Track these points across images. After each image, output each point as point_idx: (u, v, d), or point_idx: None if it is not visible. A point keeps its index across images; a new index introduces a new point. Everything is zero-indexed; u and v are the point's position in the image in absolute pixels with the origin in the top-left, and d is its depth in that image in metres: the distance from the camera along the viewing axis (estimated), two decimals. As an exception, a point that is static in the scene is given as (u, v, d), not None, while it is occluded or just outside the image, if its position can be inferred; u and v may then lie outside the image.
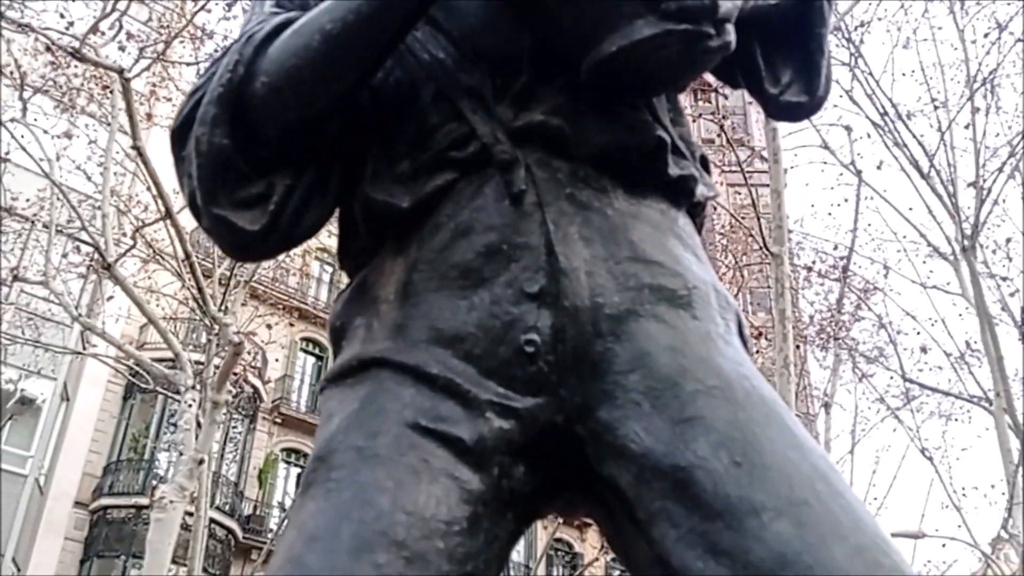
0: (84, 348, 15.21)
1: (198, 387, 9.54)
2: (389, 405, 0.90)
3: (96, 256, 9.88)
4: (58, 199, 11.29)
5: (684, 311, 0.95)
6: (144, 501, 15.81)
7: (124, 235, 10.77)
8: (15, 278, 10.92)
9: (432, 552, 0.82)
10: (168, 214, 8.40)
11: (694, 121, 13.83)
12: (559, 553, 23.89)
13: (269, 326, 13.05)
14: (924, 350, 15.02)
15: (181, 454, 8.91)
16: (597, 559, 18.41)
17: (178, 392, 10.66)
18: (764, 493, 0.80)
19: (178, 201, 9.92)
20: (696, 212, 1.10)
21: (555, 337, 0.92)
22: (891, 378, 15.84)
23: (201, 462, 8.67)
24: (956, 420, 17.20)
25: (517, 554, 21.74)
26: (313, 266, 21.40)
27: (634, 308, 0.93)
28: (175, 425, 17.09)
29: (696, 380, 0.88)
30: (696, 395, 0.87)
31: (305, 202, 1.03)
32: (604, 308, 0.93)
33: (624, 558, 0.92)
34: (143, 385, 16.00)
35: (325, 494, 0.86)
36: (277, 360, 19.44)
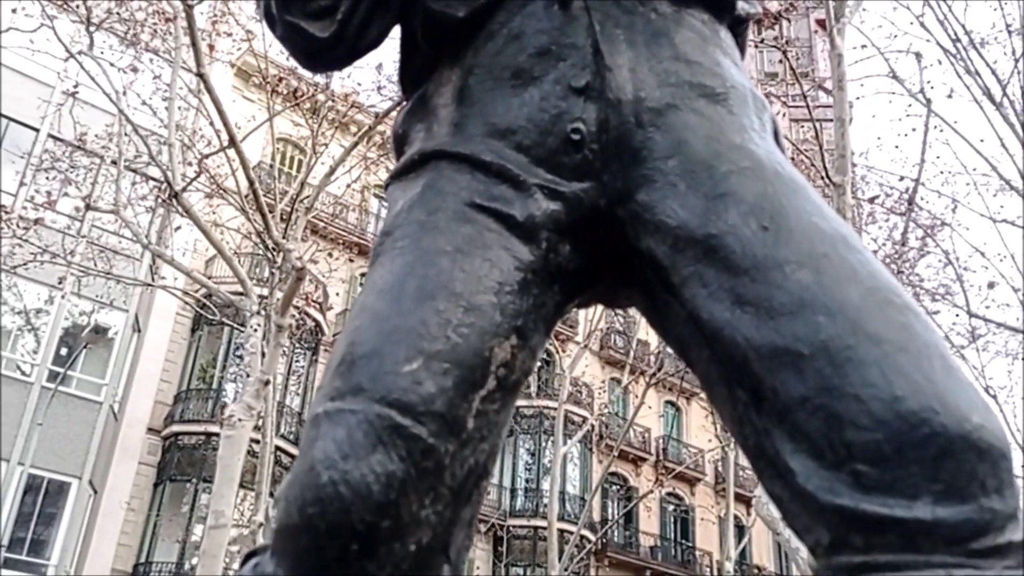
0: (153, 280, 15.75)
1: (262, 313, 9.84)
2: (448, 187, 0.99)
3: (163, 186, 10.18)
4: (126, 134, 11.61)
5: (721, 106, 1.01)
6: (213, 428, 16.46)
7: (190, 164, 11.05)
8: (87, 207, 11.30)
9: (487, 304, 0.91)
10: (232, 142, 8.59)
11: (756, 47, 13.51)
12: (614, 487, 24.25)
13: (331, 255, 13.34)
14: (991, 286, 14.73)
15: (248, 375, 9.25)
16: (651, 491, 18.65)
17: (243, 324, 11.03)
18: (788, 250, 0.87)
19: (240, 132, 10.15)
20: (738, 31, 1.15)
21: (599, 127, 0.99)
22: (956, 316, 15.51)
23: (267, 383, 8.99)
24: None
25: (573, 487, 22.13)
26: (372, 203, 21.67)
27: (674, 102, 1.00)
28: (241, 357, 17.70)
29: (730, 162, 0.95)
30: (729, 175, 0.94)
31: (369, 14, 1.12)
32: (646, 101, 0.99)
33: (660, 328, 1.00)
34: (210, 317, 16.52)
35: (391, 259, 0.96)
36: (338, 294, 19.86)
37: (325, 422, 0.85)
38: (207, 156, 10.36)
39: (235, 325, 15.87)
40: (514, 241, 0.96)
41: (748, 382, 0.85)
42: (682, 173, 0.95)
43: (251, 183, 8.49)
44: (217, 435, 15.78)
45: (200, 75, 7.81)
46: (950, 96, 14.92)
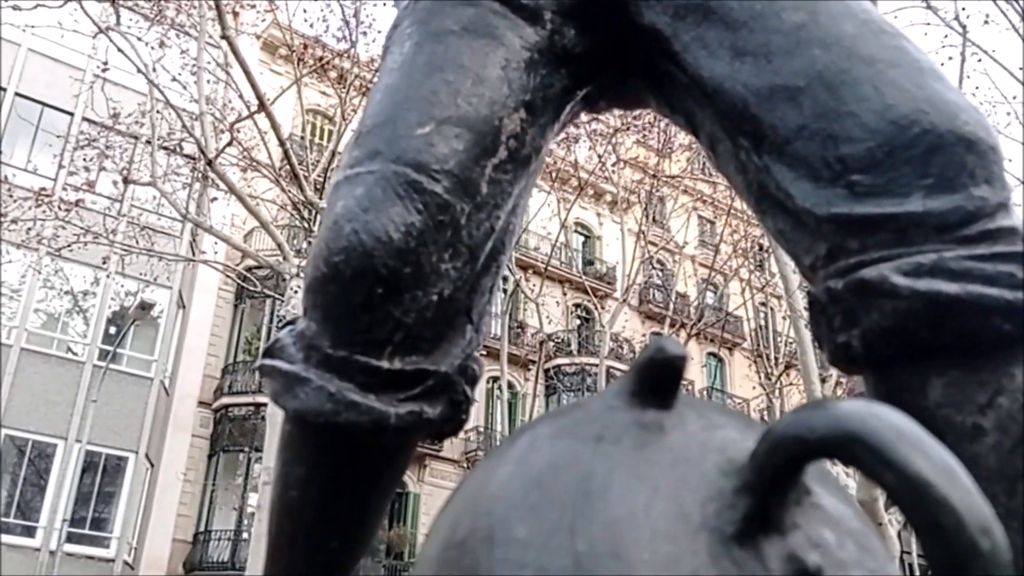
0: (194, 255, 16.03)
1: (301, 275, 10.00)
2: None
3: (198, 156, 10.32)
4: (158, 111, 11.76)
5: None
6: (262, 399, 16.77)
7: (222, 132, 11.18)
8: (125, 180, 11.49)
9: (495, 77, 0.95)
10: (261, 105, 8.67)
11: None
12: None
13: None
14: (1035, 216, 14.42)
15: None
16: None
17: (283, 294, 11.20)
18: None
19: (268, 95, 10.25)
20: None
21: None
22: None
23: (310, 342, 9.15)
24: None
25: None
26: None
27: None
28: (284, 329, 18.00)
29: None
30: None
31: None
32: None
33: (668, 107, 1.03)
34: (252, 289, 16.77)
35: (400, 45, 0.99)
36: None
37: (345, 185, 0.90)
38: (238, 121, 10.48)
39: (276, 295, 16.09)
40: (519, 22, 0.99)
41: (749, 127, 0.87)
42: None
43: (282, 144, 8.58)
44: (266, 405, 16.05)
45: (226, 37, 7.87)
46: (986, 22, 14.53)
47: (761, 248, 16.13)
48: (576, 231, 24.63)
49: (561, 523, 0.44)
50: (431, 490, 19.50)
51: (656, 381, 0.49)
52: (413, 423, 0.88)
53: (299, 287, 9.98)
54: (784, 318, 14.56)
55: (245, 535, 16.98)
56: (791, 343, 15.62)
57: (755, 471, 0.44)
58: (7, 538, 14.82)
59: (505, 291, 21.32)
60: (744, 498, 0.44)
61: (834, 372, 12.90)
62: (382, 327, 0.86)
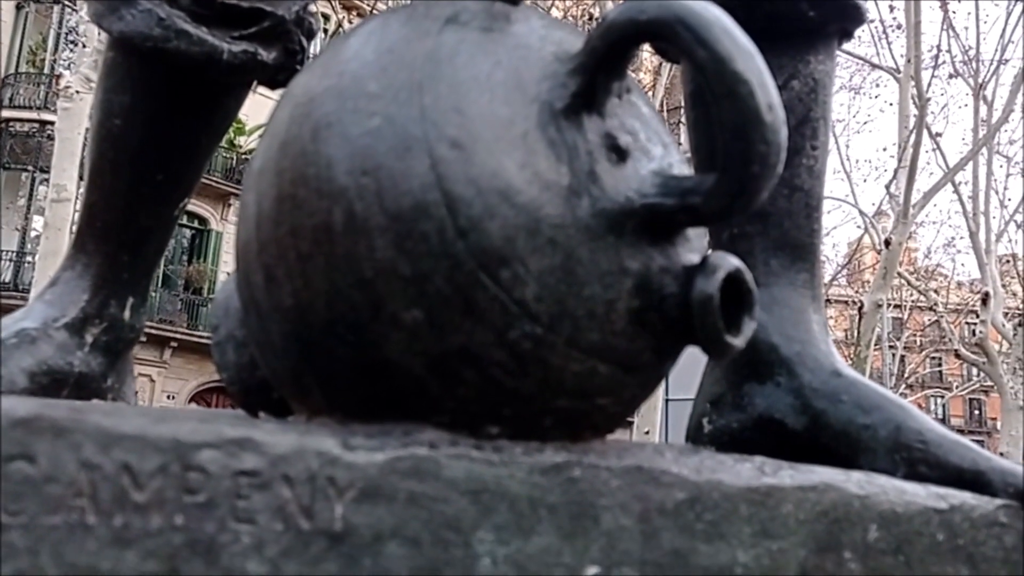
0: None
1: (98, -21, 8.97)
2: None
3: None
4: None
5: None
6: (48, 116, 15.45)
7: None
8: None
9: None
10: None
11: None
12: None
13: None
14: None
15: (84, 46, 8.57)
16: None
17: (74, 0, 10.05)
18: None
19: None
20: None
21: None
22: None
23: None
24: (864, 94, 17.81)
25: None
26: None
27: None
28: (74, 42, 16.28)
29: None
30: None
31: None
32: None
33: None
34: (37, -9, 14.96)
35: None
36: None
37: None
38: None
39: (66, 2, 14.48)
40: None
41: None
42: None
43: None
44: (53, 123, 14.83)
45: None
46: None
47: (591, 18, 16.02)
48: (406, -25, 23.39)
49: (410, 81, 0.47)
50: (233, 229, 19.16)
51: (506, -26, 0.52)
52: (246, 63, 0.87)
53: (95, -8, 8.99)
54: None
55: (30, 258, 16.19)
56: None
57: (588, 52, 0.49)
58: None
59: (326, 31, 20.15)
60: (575, 79, 0.49)
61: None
62: None
